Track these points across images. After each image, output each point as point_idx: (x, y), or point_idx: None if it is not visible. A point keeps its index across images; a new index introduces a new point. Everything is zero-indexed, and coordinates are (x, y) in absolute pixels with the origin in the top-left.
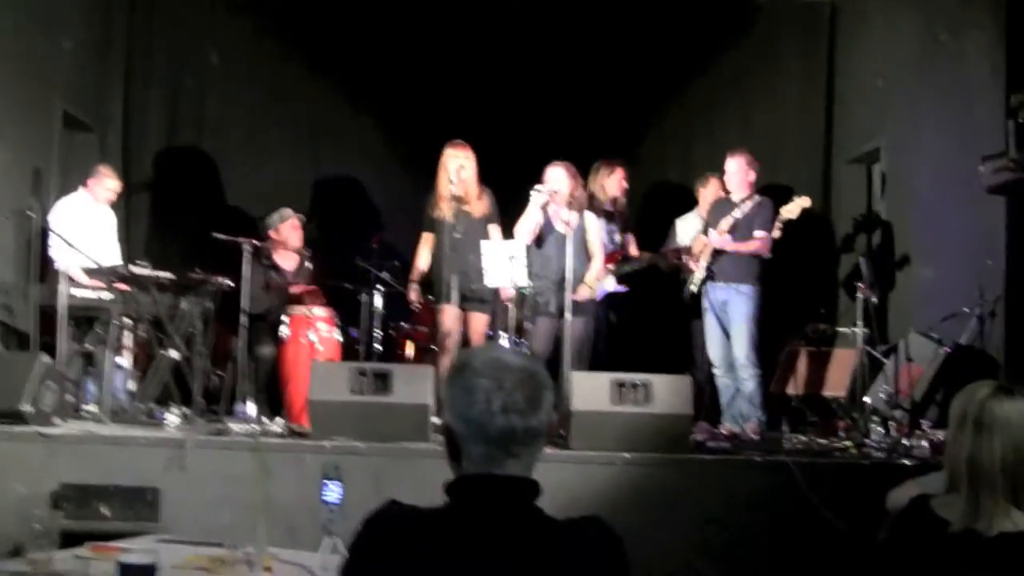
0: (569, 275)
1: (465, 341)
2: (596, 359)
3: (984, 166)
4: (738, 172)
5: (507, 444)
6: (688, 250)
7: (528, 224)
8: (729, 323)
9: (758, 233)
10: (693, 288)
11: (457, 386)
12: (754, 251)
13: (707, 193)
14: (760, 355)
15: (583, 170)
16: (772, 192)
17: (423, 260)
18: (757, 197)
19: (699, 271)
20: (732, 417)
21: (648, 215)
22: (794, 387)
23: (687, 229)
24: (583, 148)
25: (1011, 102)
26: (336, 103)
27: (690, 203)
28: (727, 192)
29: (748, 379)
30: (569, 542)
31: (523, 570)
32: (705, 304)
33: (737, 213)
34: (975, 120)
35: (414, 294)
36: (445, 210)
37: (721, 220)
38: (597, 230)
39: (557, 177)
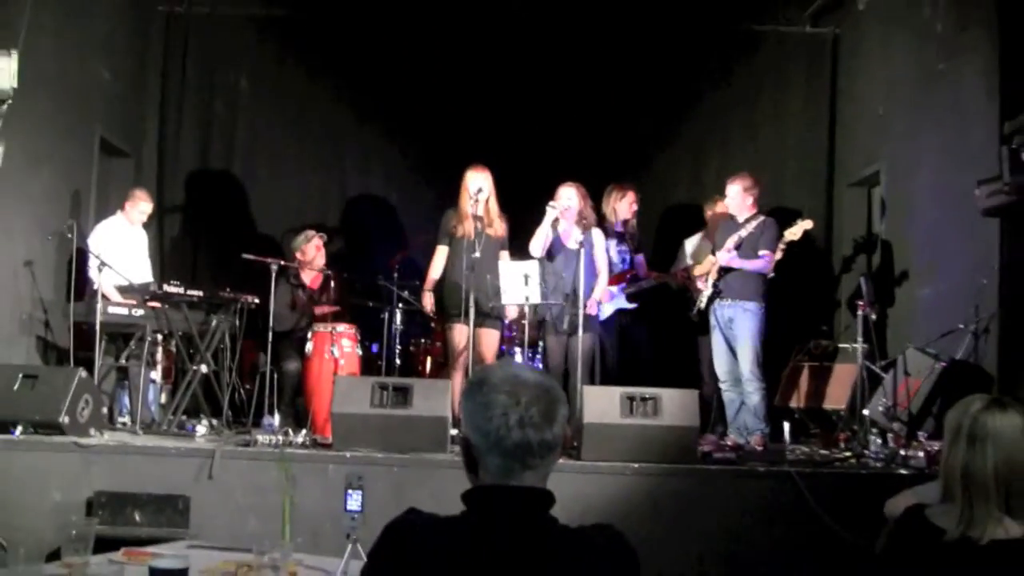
0: (580, 292)
1: (476, 357)
2: (607, 374)
3: (979, 190)
4: (735, 197)
5: (523, 457)
6: (695, 267)
7: (540, 239)
8: (735, 339)
9: (762, 253)
10: (701, 306)
11: (475, 401)
12: (758, 269)
13: (713, 215)
14: (764, 370)
15: (596, 192)
16: (777, 214)
17: (437, 270)
18: (761, 217)
19: (706, 289)
20: (737, 429)
21: (658, 235)
22: (797, 400)
23: (695, 250)
24: (595, 170)
25: (1005, 129)
26: (361, 127)
27: (698, 223)
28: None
29: (753, 393)
30: (583, 550)
31: None
32: (712, 321)
33: (743, 232)
34: (971, 145)
35: (428, 301)
36: (466, 229)
37: (727, 239)
38: (603, 247)
39: (568, 195)
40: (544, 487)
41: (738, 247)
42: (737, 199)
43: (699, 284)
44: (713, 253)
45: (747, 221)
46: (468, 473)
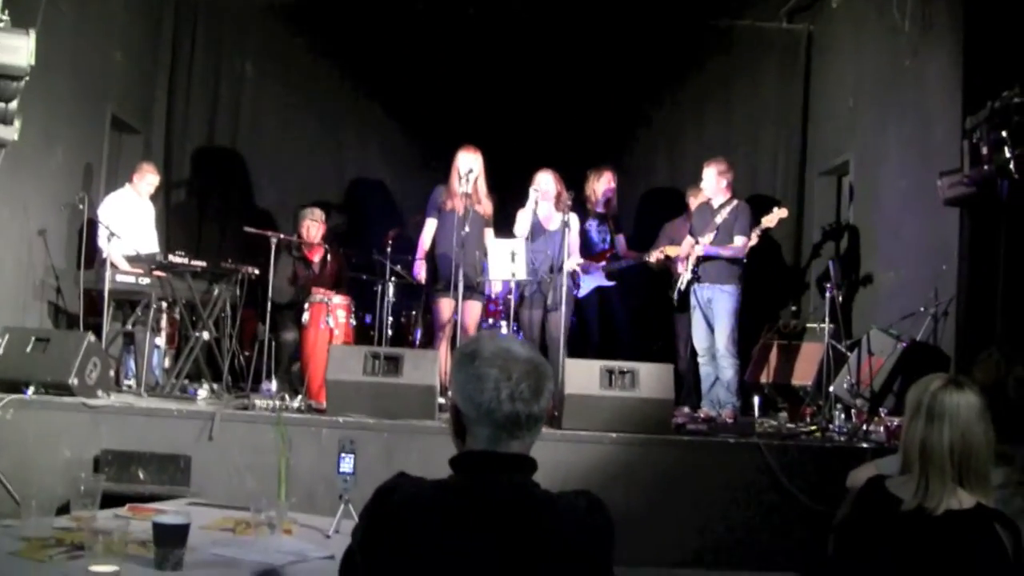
0: (559, 270)
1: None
2: (588, 348)
3: (941, 181)
4: (711, 180)
5: (512, 428)
6: (675, 249)
7: (526, 220)
8: (713, 317)
9: (738, 239)
10: (681, 287)
11: (467, 373)
12: (734, 254)
13: (696, 200)
14: (738, 347)
15: (578, 175)
16: (753, 201)
17: (427, 241)
18: (735, 202)
19: (686, 274)
20: (710, 402)
21: (638, 218)
22: (766, 376)
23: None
24: (577, 155)
25: (966, 124)
26: (359, 109)
27: (676, 207)
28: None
29: (727, 367)
30: (562, 513)
31: (520, 538)
32: (693, 301)
33: (718, 219)
34: (934, 138)
35: (420, 270)
36: (456, 206)
37: (704, 228)
38: (577, 231)
39: (546, 180)
40: (528, 454)
41: (715, 232)
42: (712, 182)
43: (678, 267)
44: (692, 235)
45: (721, 207)
46: (455, 439)
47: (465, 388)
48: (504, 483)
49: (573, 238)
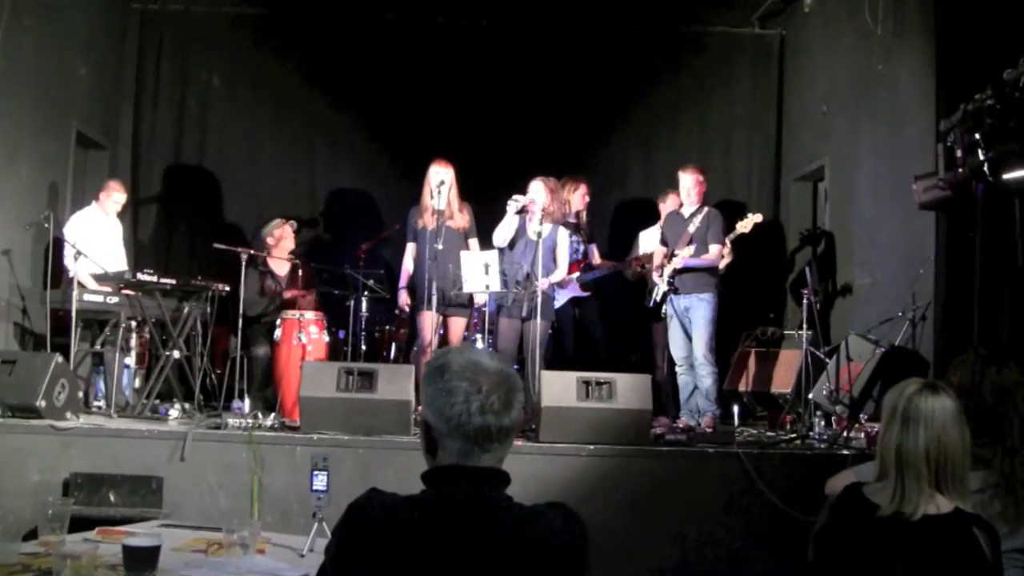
0: (536, 279)
1: (442, 342)
2: (564, 359)
3: (916, 184)
4: (691, 187)
5: (483, 441)
6: (649, 258)
7: (504, 230)
8: (691, 326)
9: (712, 247)
10: (656, 298)
11: (437, 386)
12: (710, 263)
13: (667, 207)
14: (716, 355)
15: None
16: (726, 207)
17: (409, 266)
18: (706, 209)
19: (661, 284)
20: (689, 412)
21: (612, 227)
22: (745, 384)
23: (651, 241)
24: (551, 163)
25: (940, 127)
26: (330, 122)
27: (651, 215)
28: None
29: (706, 376)
30: (537, 526)
31: (495, 552)
32: (669, 311)
33: (691, 228)
34: (908, 142)
35: (404, 299)
36: (427, 222)
37: (677, 237)
38: (566, 245)
39: (536, 189)
40: (500, 468)
41: (689, 244)
42: (695, 188)
43: (654, 276)
44: (664, 244)
45: (693, 215)
46: (427, 455)
47: (435, 402)
48: (477, 497)
49: (561, 251)
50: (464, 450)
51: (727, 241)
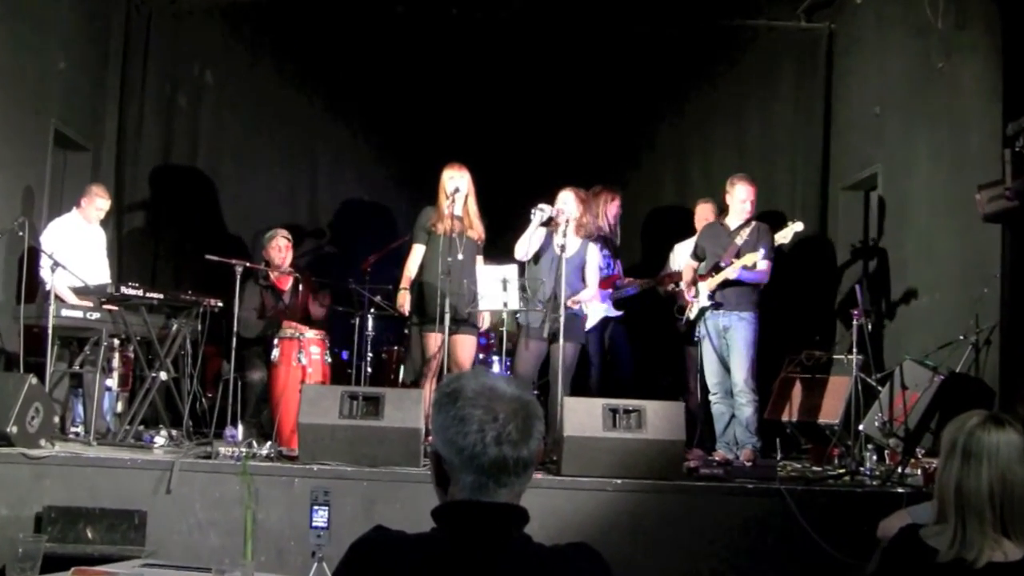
0: (561, 298)
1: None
2: (588, 384)
3: (980, 194)
4: (744, 199)
5: (498, 474)
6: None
7: (527, 243)
8: (729, 349)
9: (762, 263)
10: (691, 316)
11: (449, 414)
12: (758, 280)
13: (700, 218)
14: (757, 381)
15: None
16: (767, 219)
17: (413, 268)
18: (754, 223)
19: (701, 299)
20: (726, 443)
21: (642, 240)
22: (788, 414)
23: (686, 255)
24: (577, 171)
25: (1008, 130)
26: (333, 123)
27: (684, 226)
28: (721, 216)
29: (745, 405)
30: (556, 569)
31: None
32: (702, 331)
33: (738, 241)
34: (970, 147)
35: (403, 301)
36: (445, 229)
37: (720, 250)
38: (597, 260)
39: (567, 200)
40: (518, 504)
41: (736, 258)
42: (744, 201)
43: (687, 294)
44: (697, 258)
45: (740, 229)
46: (437, 488)
47: (447, 431)
48: (492, 536)
49: (590, 271)
50: (478, 484)
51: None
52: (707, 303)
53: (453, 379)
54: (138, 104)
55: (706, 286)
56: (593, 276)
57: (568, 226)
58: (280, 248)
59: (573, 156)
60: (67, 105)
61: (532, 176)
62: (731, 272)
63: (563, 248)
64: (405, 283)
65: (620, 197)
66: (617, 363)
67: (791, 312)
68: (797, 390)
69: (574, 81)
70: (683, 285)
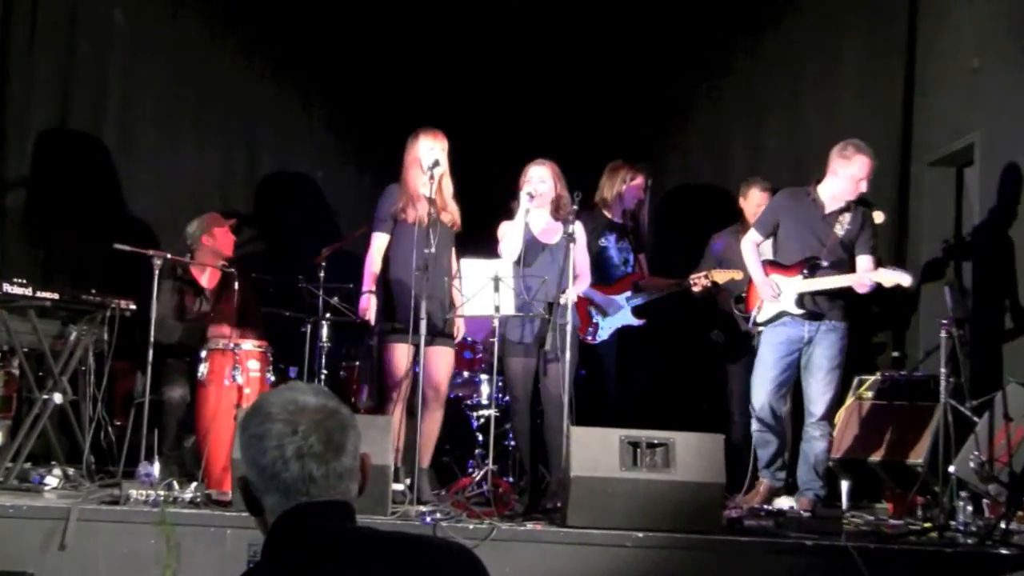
0: (562, 300)
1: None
2: (603, 409)
3: None
4: (862, 171)
5: (308, 491)
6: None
7: (517, 235)
8: (810, 366)
9: (863, 259)
10: (758, 318)
11: (249, 432)
12: (859, 283)
13: (749, 204)
14: None
15: (591, 174)
16: None
17: (378, 263)
18: (858, 208)
19: (784, 301)
20: (772, 474)
21: (673, 230)
22: (861, 451)
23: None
24: (591, 147)
25: None
26: (279, 87)
27: (726, 214)
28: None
29: (820, 439)
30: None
31: None
32: (774, 338)
33: (838, 230)
34: None
35: (367, 306)
36: (418, 214)
37: (819, 244)
38: (585, 243)
39: (541, 176)
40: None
41: (830, 254)
42: (854, 176)
43: (767, 292)
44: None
45: (839, 213)
46: (256, 519)
47: (248, 451)
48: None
49: (580, 255)
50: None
51: None
52: (795, 309)
53: (261, 396)
54: (25, 51)
55: (794, 286)
56: (585, 264)
57: (545, 210)
58: (227, 233)
59: (584, 127)
60: None
61: (528, 153)
62: (855, 283)
63: (570, 236)
64: (369, 283)
65: (643, 176)
66: (637, 383)
67: (863, 322)
68: (869, 420)
69: (586, 31)
70: (752, 273)
